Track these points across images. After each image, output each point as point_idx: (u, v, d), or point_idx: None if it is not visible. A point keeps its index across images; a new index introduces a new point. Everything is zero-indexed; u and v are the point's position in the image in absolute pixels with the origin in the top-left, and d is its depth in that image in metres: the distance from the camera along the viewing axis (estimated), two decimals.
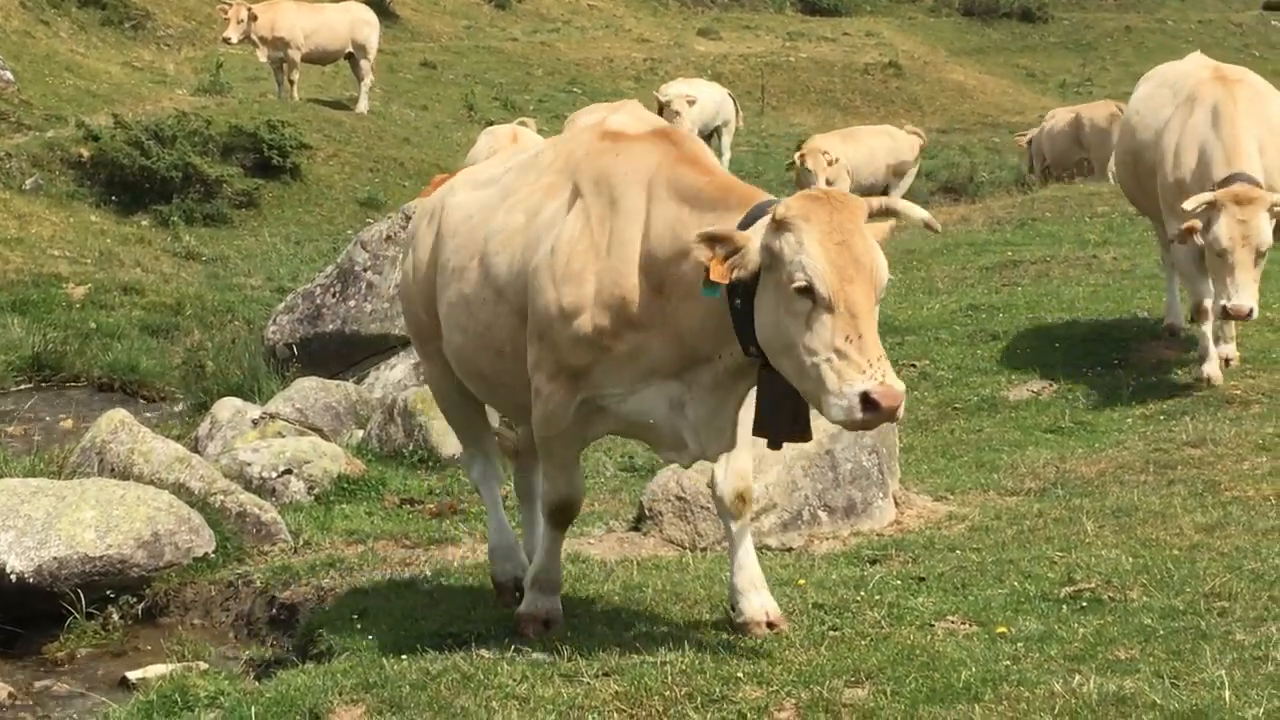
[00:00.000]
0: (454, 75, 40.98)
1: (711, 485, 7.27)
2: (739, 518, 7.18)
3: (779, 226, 6.24)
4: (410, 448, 12.19)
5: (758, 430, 6.74)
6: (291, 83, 31.34)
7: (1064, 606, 7.41)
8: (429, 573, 9.20)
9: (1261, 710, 5.96)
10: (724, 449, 7.00)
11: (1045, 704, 6.13)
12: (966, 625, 7.23)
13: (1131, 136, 13.75)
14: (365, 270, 14.77)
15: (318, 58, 32.10)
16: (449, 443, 12.06)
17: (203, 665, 8.47)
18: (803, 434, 6.73)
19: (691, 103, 28.23)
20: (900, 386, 6.05)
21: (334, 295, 14.90)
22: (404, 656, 7.09)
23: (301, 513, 10.89)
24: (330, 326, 14.75)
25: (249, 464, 11.40)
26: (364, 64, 32.24)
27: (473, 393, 7.99)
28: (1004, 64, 52.15)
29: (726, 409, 6.87)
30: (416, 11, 47.80)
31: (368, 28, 32.23)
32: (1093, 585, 7.61)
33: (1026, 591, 7.66)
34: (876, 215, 6.40)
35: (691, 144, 7.21)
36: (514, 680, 6.61)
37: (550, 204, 7.09)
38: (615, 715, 6.26)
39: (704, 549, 9.07)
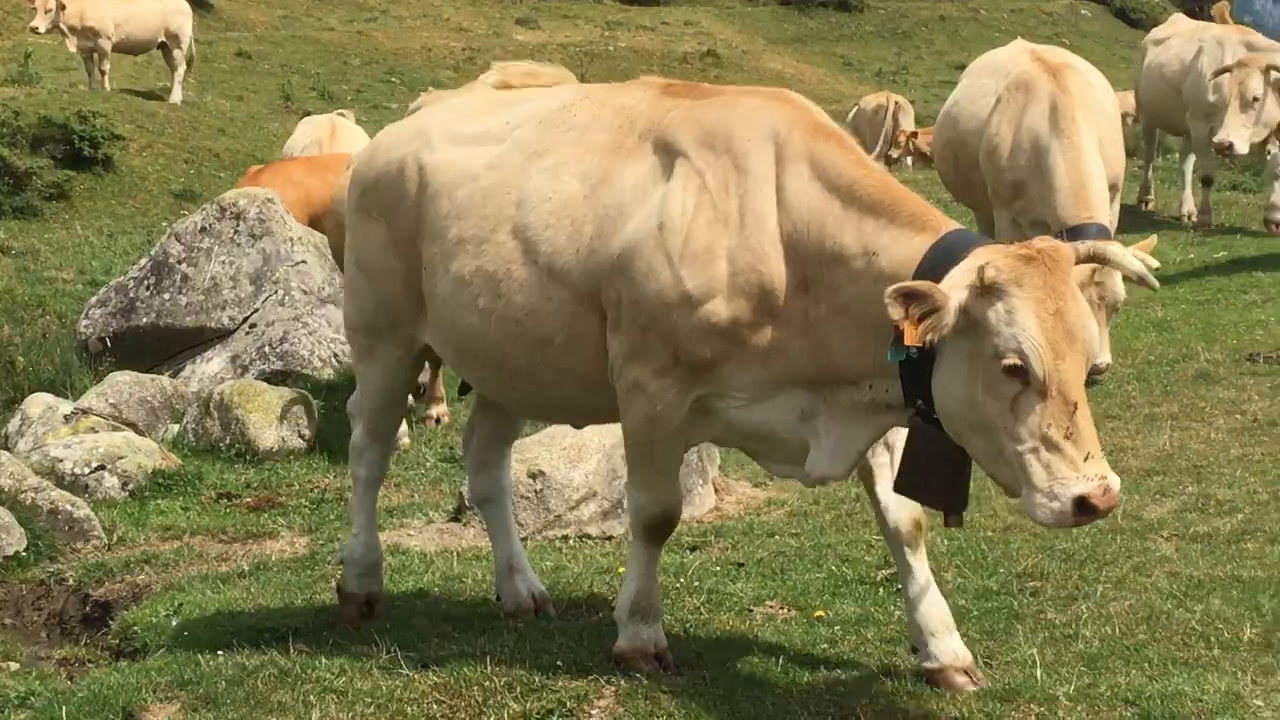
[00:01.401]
0: (270, 65, 40.42)
1: (879, 513, 6.37)
2: (917, 547, 6.33)
3: (986, 291, 5.35)
4: (227, 441, 11.99)
5: (903, 488, 5.92)
6: (103, 73, 30.69)
7: (881, 589, 7.52)
8: (246, 568, 9.07)
9: (1072, 688, 6.10)
10: (846, 476, 6.21)
11: (862, 687, 6.21)
12: (785, 610, 7.31)
13: (953, 128, 13.87)
14: (180, 263, 14.48)
15: (129, 47, 31.48)
16: (267, 436, 11.90)
17: (13, 665, 8.29)
18: (958, 504, 5.82)
19: None
20: (1117, 483, 5.34)
21: (148, 288, 14.60)
22: (220, 652, 6.99)
23: (115, 509, 10.68)
24: (144, 320, 14.43)
25: (60, 460, 11.14)
26: (177, 54, 31.71)
27: (471, 384, 7.15)
28: (821, 53, 52.66)
29: (862, 439, 6.00)
30: (232, 0, 47.14)
31: (181, 17, 31.65)
32: None
33: (844, 575, 7.76)
34: (1082, 263, 5.60)
35: (817, 110, 6.30)
36: (332, 674, 6.55)
37: (626, 168, 6.21)
38: (435, 707, 6.23)
39: (524, 539, 9.05)
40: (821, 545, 8.34)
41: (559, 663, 6.50)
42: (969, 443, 5.54)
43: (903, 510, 6.22)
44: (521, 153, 6.52)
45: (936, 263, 5.51)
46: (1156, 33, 20.29)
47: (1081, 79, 12.92)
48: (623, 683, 6.29)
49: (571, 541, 8.98)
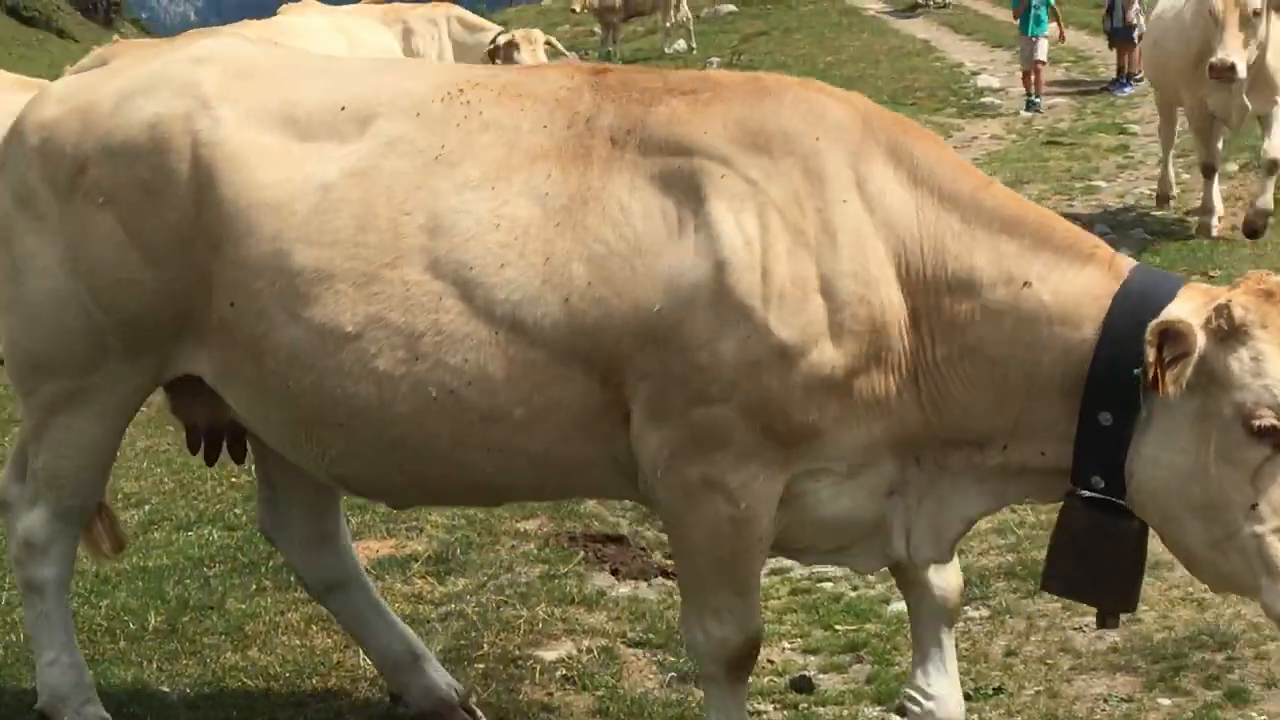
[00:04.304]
0: None
1: (908, 582, 5.27)
2: (955, 620, 5.39)
3: (1228, 334, 4.34)
4: None
5: (1058, 586, 4.87)
6: None
7: None
8: None
9: None
10: (937, 559, 4.99)
11: None
12: None
13: None
14: None
15: None
16: None
17: None
18: (1126, 603, 4.82)
19: None
20: None
21: None
22: None
23: None
24: None
25: None
26: None
27: (305, 463, 5.26)
28: None
29: (974, 508, 4.88)
30: None
31: None
32: None
33: None
34: None
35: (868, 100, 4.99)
36: None
37: (612, 184, 4.69)
38: None
39: None
40: None
41: None
42: (1180, 527, 4.49)
43: (950, 572, 5.21)
44: (408, 158, 4.88)
45: (1139, 303, 4.45)
46: None
47: None
48: None
49: None
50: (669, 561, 7.61)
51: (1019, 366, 4.54)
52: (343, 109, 4.98)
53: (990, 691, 6.21)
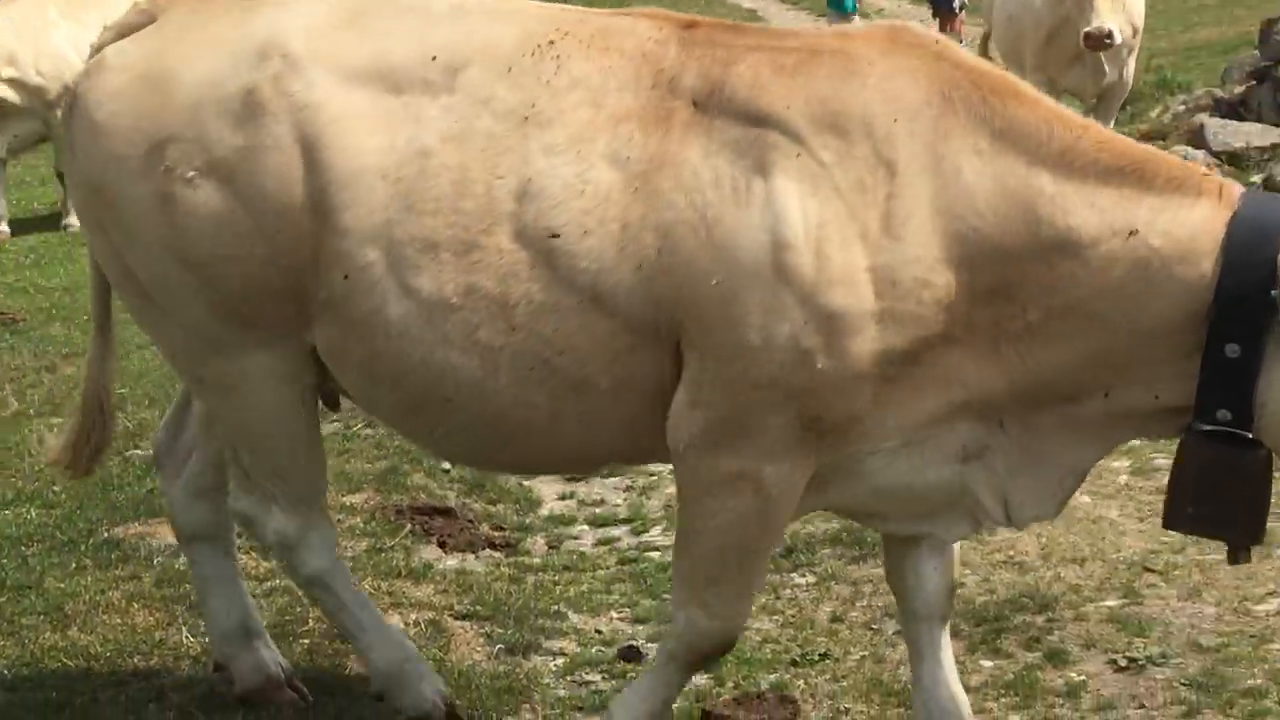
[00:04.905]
0: None
1: (899, 575, 5.16)
2: (948, 618, 5.25)
3: None
4: None
5: (1182, 523, 4.66)
6: None
7: None
8: None
9: None
10: (1044, 516, 4.87)
11: None
12: None
13: None
14: None
15: None
16: None
17: None
18: (1255, 536, 4.59)
19: None
20: None
21: None
22: None
23: None
24: None
25: None
26: None
27: (422, 442, 5.34)
28: None
29: (1073, 460, 4.73)
30: None
31: None
32: None
33: None
34: None
35: (965, 53, 4.78)
36: None
37: (688, 149, 4.54)
38: None
39: None
40: None
41: None
42: None
43: (944, 572, 5.12)
44: (498, 118, 4.71)
45: (1257, 230, 4.32)
46: None
47: None
48: None
49: None
50: (496, 533, 7.61)
51: (1124, 315, 4.42)
52: (434, 59, 4.79)
53: (816, 657, 6.27)
